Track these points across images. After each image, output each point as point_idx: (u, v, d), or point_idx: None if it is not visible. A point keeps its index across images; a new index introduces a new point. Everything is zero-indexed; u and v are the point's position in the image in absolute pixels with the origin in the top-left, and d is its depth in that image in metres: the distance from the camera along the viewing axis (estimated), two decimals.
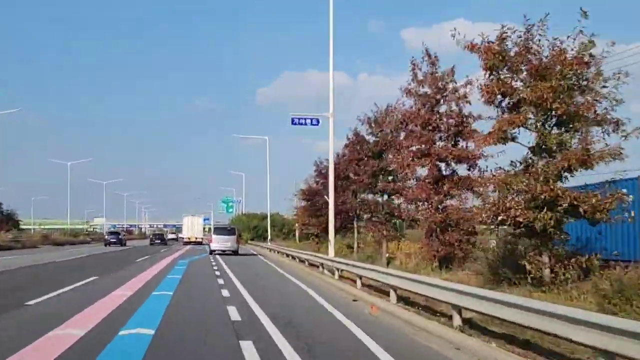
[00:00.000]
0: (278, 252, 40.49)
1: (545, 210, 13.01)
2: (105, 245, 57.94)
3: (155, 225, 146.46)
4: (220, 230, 40.90)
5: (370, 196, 30.63)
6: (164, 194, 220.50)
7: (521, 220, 13.16)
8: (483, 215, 14.54)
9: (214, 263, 28.08)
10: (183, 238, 72.11)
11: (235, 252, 37.72)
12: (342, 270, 19.20)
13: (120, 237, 62.39)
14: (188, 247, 57.49)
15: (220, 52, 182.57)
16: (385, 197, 29.13)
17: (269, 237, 55.17)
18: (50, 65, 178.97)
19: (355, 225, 33.48)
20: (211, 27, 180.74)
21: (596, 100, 13.12)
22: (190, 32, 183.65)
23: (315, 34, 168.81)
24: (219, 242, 37.78)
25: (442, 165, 21.73)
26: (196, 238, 68.21)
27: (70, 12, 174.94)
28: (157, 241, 67.20)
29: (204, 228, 76.33)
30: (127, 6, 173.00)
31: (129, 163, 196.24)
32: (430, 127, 21.27)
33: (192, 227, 70.48)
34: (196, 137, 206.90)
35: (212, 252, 37.80)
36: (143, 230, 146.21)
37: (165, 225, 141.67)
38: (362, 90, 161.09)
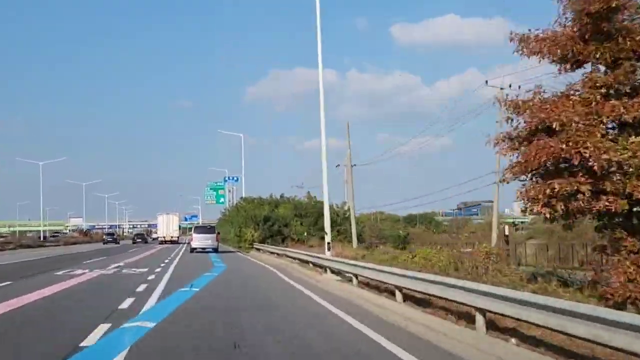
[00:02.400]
0: None
1: None
2: (104, 243, 72.04)
3: (139, 225, 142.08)
4: (200, 229, 42.77)
5: None
6: (148, 192, 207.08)
7: None
8: None
9: None
10: (157, 237, 70.72)
11: (215, 250, 39.24)
12: None
13: (115, 236, 78.87)
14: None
15: (209, 51, 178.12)
16: None
17: (329, 238, 22.39)
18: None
19: None
20: (199, 25, 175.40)
21: None
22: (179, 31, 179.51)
23: (303, 31, 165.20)
24: (199, 241, 39.19)
25: None
26: (172, 237, 66.49)
27: (61, 12, 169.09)
28: (138, 240, 75.35)
29: (179, 227, 76.70)
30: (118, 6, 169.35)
31: (112, 163, 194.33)
32: None
33: (167, 225, 67.96)
34: (181, 137, 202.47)
35: (193, 250, 38.66)
36: (124, 230, 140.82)
37: (149, 225, 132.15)
38: (352, 87, 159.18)
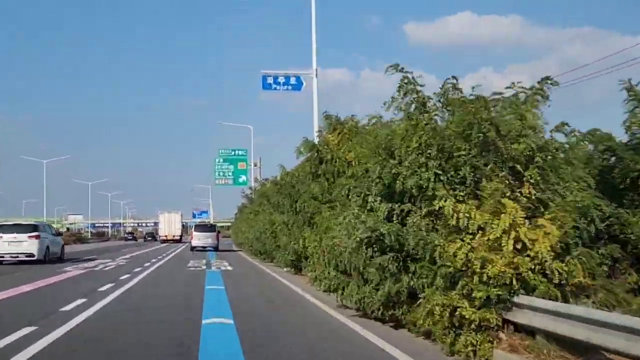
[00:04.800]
0: None
1: None
2: (125, 240, 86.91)
3: (144, 224, 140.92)
4: (201, 227, 42.18)
5: None
6: (154, 190, 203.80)
7: None
8: None
9: None
10: (160, 236, 69.75)
11: (215, 248, 38.39)
12: None
13: (134, 235, 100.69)
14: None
15: (220, 50, 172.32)
16: None
17: None
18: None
19: None
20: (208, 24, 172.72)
21: None
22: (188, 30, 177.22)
23: (318, 28, 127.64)
24: (199, 239, 38.90)
25: None
26: (174, 236, 65.54)
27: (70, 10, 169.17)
28: (149, 239, 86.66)
29: (183, 225, 74.29)
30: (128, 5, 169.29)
31: (117, 160, 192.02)
32: None
33: (168, 224, 66.40)
34: (191, 135, 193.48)
35: (193, 248, 38.56)
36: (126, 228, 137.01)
37: (155, 223, 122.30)
38: (365, 87, 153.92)
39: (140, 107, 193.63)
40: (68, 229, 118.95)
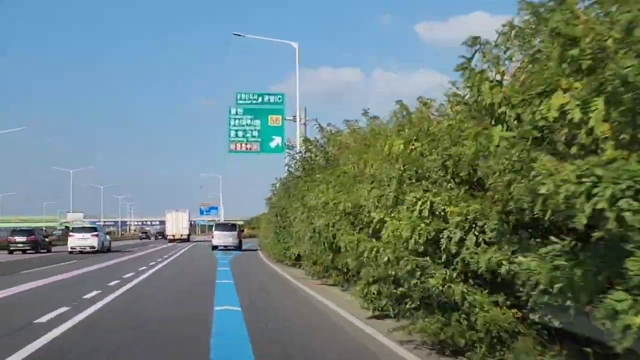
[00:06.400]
0: None
1: None
2: (140, 239, 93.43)
3: (149, 222, 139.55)
4: (221, 226, 43.49)
5: None
6: (159, 189, 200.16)
7: None
8: None
9: None
10: (167, 235, 68.70)
11: (237, 248, 38.13)
12: None
13: (148, 234, 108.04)
14: None
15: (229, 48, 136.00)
16: None
17: None
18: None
19: None
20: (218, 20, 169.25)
21: None
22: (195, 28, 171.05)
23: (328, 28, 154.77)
24: (220, 238, 39.27)
25: None
26: (181, 235, 66.09)
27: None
28: (159, 237, 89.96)
29: (191, 224, 74.73)
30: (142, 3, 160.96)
31: (126, 159, 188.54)
32: None
33: (176, 223, 67.02)
34: (197, 135, 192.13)
35: (215, 247, 38.55)
36: (129, 227, 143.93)
37: (161, 222, 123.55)
38: (377, 86, 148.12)
39: (154, 108, 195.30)
40: (67, 227, 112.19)
